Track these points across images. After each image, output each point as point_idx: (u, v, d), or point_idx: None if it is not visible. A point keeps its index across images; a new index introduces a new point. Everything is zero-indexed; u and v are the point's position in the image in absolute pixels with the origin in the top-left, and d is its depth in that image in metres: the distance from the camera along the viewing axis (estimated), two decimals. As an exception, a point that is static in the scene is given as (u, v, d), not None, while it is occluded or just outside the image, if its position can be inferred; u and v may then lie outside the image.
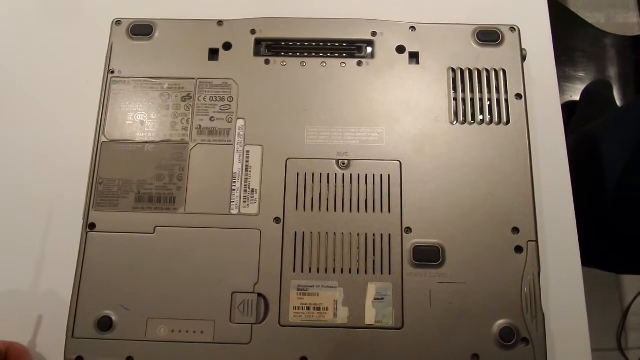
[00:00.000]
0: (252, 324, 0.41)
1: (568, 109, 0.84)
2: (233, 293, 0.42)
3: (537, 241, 0.43)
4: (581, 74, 0.87)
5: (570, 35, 0.91)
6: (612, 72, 0.89)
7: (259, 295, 0.42)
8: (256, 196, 0.44)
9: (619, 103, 0.83)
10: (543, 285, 0.42)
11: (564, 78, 0.85)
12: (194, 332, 0.41)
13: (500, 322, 0.41)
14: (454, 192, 0.44)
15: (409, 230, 0.43)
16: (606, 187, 0.60)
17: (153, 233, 0.43)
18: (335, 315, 0.41)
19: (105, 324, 0.41)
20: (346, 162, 0.45)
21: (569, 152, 0.49)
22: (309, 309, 0.41)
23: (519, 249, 0.42)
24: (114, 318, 0.41)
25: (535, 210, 0.43)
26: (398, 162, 0.45)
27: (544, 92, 0.49)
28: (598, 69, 0.89)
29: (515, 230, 0.43)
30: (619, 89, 0.86)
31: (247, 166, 0.45)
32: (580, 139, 0.66)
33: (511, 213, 0.43)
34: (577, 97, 0.84)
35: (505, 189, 0.44)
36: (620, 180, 0.60)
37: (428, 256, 0.42)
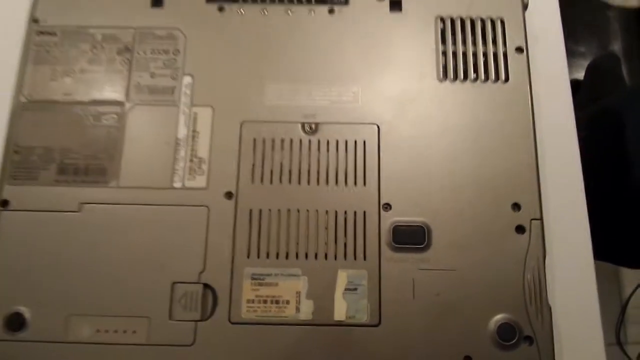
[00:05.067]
0: (196, 321, 0.34)
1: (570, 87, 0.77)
2: (173, 283, 0.34)
3: (542, 219, 0.35)
4: (582, 49, 0.80)
5: (572, 8, 0.84)
6: (616, 47, 0.82)
7: (205, 286, 0.34)
8: (204, 167, 0.36)
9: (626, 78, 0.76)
10: (548, 272, 0.35)
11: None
12: (125, 331, 0.34)
13: (498, 318, 0.33)
14: (442, 162, 0.36)
15: (387, 206, 0.36)
16: (630, 169, 0.52)
17: (79, 211, 0.36)
18: (297, 309, 0.34)
19: (16, 322, 0.34)
20: (313, 126, 0.37)
21: (579, 129, 0.42)
22: (265, 302, 0.34)
23: (520, 229, 0.35)
24: (27, 315, 0.34)
25: (539, 182, 0.36)
26: (375, 126, 0.37)
27: (547, 46, 0.42)
28: (601, 44, 0.82)
29: (516, 206, 0.36)
30: (623, 63, 0.79)
31: (194, 131, 0.37)
32: (595, 117, 0.57)
33: (511, 186, 0.36)
34: (579, 75, 0.77)
35: (504, 157, 0.36)
36: None
37: (410, 238, 0.35)
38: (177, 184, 0.36)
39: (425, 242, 0.35)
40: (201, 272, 0.34)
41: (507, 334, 0.33)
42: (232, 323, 0.34)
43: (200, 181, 0.36)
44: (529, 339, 0.33)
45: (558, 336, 0.34)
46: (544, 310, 0.34)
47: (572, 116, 0.41)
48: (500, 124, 0.37)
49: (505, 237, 0.35)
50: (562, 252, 0.37)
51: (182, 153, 0.37)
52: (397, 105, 0.38)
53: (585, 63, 0.85)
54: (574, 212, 0.39)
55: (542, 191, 0.36)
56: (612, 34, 0.84)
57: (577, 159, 0.40)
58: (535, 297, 0.34)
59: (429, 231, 0.35)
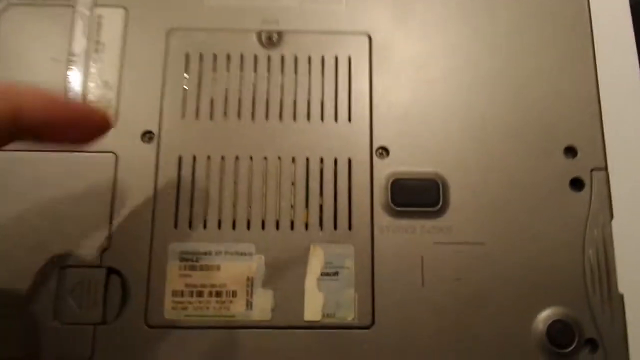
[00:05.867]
0: (95, 324, 0.22)
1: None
2: (62, 268, 0.23)
3: (607, 169, 0.24)
4: None
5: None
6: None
7: (110, 270, 0.23)
8: (111, 95, 0.24)
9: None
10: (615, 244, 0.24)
11: None
12: (-14, 340, 0.22)
13: (548, 314, 0.23)
14: (462, 88, 0.25)
15: (383, 152, 0.24)
16: None
17: None
18: (249, 305, 0.22)
19: None
20: (275, 35, 0.25)
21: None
22: (201, 294, 0.23)
23: (577, 183, 0.24)
24: None
25: (602, 118, 0.25)
26: (366, 37, 0.26)
27: None
28: None
29: (571, 151, 0.24)
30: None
31: (97, 43, 0.25)
32: None
33: (563, 122, 0.25)
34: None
35: (552, 81, 0.25)
36: None
37: (418, 197, 0.24)
38: (71, 120, 0.24)
39: (440, 204, 0.23)
40: (104, 251, 0.23)
41: (562, 337, 0.22)
42: (150, 327, 0.22)
43: (105, 116, 0.24)
44: (592, 343, 0.22)
45: (631, 336, 0.23)
46: (614, 301, 0.23)
47: (631, 30, 0.30)
48: (546, 34, 0.26)
49: (556, 196, 0.24)
50: (629, 215, 0.26)
51: (78, 75, 0.25)
52: (397, 6, 0.26)
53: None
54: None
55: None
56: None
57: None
58: (601, 281, 0.23)
59: (445, 187, 0.24)
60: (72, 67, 0.25)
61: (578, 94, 0.25)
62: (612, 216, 0.24)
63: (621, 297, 0.23)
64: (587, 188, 0.24)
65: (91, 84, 0.24)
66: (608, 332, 0.22)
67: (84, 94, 0.24)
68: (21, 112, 0.16)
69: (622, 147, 0.25)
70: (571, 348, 0.22)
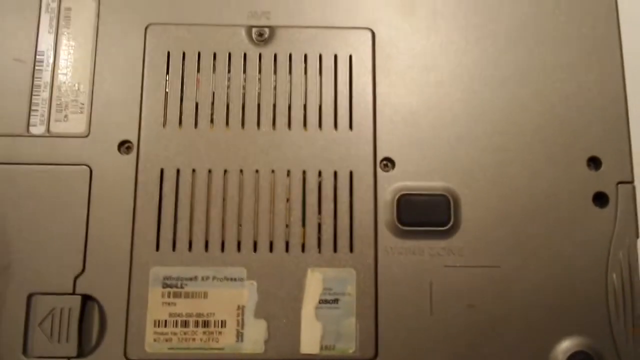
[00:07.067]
0: (69, 357, 0.20)
1: None
2: (31, 295, 0.20)
3: (633, 182, 0.22)
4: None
5: None
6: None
7: (85, 298, 0.20)
8: (83, 100, 0.22)
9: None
10: (639, 265, 0.22)
11: None
12: (-53, 378, 0.20)
13: (568, 344, 0.21)
14: (476, 91, 0.23)
15: (388, 163, 0.22)
16: None
17: None
18: (239, 336, 0.20)
19: None
20: (266, 31, 0.23)
21: None
22: (186, 324, 0.20)
23: (601, 199, 0.22)
24: None
25: (629, 125, 0.23)
26: (368, 32, 0.23)
27: None
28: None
29: (594, 162, 0.22)
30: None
31: (68, 36, 0.22)
32: None
33: (585, 130, 0.22)
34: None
35: (574, 84, 0.23)
36: None
37: (427, 214, 0.21)
38: (38, 129, 0.22)
39: (451, 222, 0.21)
40: (78, 276, 0.20)
41: (583, 370, 0.20)
42: (131, 361, 0.20)
43: (77, 123, 0.22)
44: (615, 376, 0.21)
45: (656, 367, 0.21)
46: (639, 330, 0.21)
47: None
48: (570, 27, 0.23)
49: (578, 213, 0.22)
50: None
51: (45, 77, 0.22)
52: (403, -2, 0.23)
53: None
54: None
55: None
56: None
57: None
58: (625, 308, 0.21)
59: (457, 203, 0.21)
60: (39, 68, 0.22)
61: (603, 97, 0.23)
62: (638, 236, 0.22)
63: (647, 324, 0.21)
64: (612, 204, 0.22)
65: (60, 87, 0.22)
66: (633, 363, 0.21)
67: (51, 100, 0.22)
68: None
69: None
70: (593, 382, 0.20)
